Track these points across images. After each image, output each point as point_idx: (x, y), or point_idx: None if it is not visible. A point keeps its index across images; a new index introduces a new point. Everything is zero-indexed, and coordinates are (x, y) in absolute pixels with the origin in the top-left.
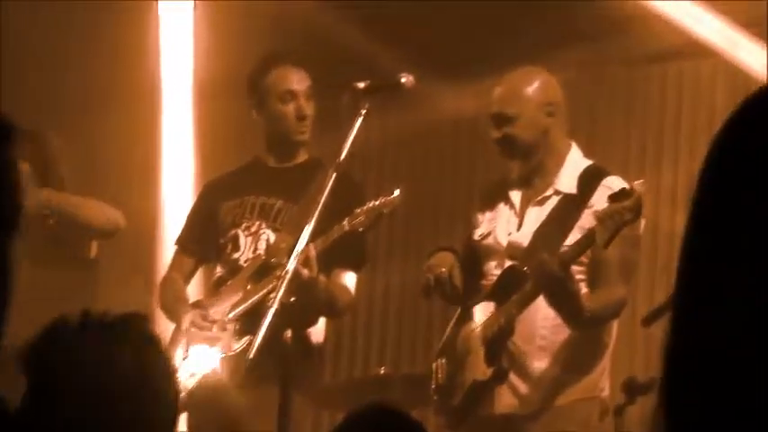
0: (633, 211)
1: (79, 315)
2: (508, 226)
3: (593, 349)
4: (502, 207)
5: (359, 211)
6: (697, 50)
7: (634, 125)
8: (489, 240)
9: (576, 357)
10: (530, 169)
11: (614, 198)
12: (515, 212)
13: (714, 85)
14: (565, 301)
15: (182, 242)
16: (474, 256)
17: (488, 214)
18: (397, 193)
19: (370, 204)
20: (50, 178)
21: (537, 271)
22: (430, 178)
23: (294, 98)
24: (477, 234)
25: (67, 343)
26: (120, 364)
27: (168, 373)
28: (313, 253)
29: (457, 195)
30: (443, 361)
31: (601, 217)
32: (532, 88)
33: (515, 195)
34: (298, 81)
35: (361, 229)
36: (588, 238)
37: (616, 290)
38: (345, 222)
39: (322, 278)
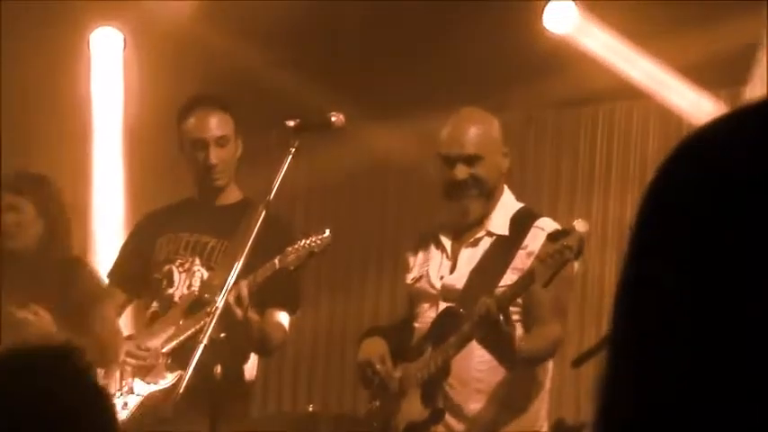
0: (574, 250)
1: (5, 351)
2: (440, 269)
3: (529, 388)
4: (433, 250)
5: (290, 249)
6: (628, 92)
7: (565, 167)
8: (422, 283)
9: (512, 397)
10: (483, 215)
11: (553, 237)
12: (447, 255)
13: (646, 127)
14: (499, 343)
15: (113, 276)
16: (409, 296)
17: (420, 257)
18: (327, 232)
19: (301, 243)
20: (57, 221)
21: (475, 312)
22: (358, 217)
23: (204, 146)
24: (409, 278)
25: None
26: (54, 399)
27: (106, 405)
28: (245, 291)
29: (385, 235)
30: (377, 403)
31: (540, 256)
32: (495, 130)
33: (446, 239)
34: (211, 128)
35: (291, 268)
36: (527, 278)
37: (551, 329)
38: (276, 261)
39: (254, 316)
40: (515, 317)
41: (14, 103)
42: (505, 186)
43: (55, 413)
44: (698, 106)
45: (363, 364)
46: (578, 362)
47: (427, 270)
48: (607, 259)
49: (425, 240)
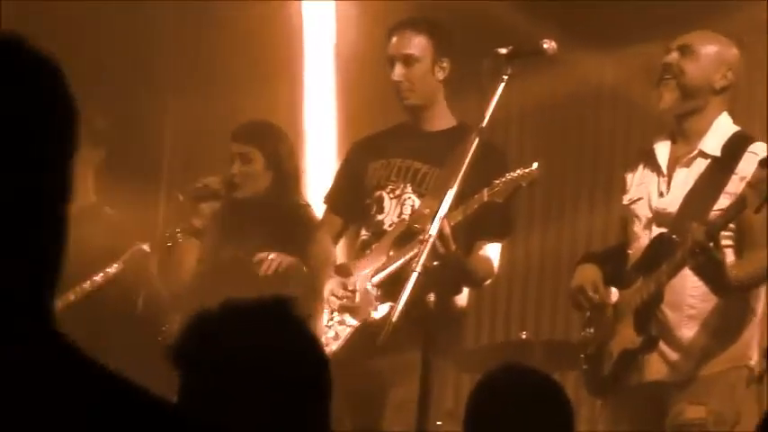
0: None
1: (220, 306)
2: (659, 187)
3: (741, 317)
4: (649, 171)
5: (497, 182)
6: None
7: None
8: (638, 206)
9: (724, 325)
10: (675, 110)
11: (766, 163)
12: (662, 174)
13: None
14: (710, 270)
15: (330, 201)
16: (623, 221)
17: (637, 176)
18: (535, 165)
19: (509, 176)
20: (287, 170)
21: (687, 240)
22: (570, 146)
23: (393, 63)
24: (625, 199)
25: (213, 336)
26: (269, 349)
27: (321, 354)
28: (447, 230)
29: (597, 164)
30: (592, 330)
31: (752, 182)
32: (720, 45)
33: (662, 153)
34: (399, 46)
35: (499, 200)
36: (739, 204)
37: (763, 254)
38: (484, 193)
39: (460, 254)
40: (727, 242)
41: (222, 40)
42: (725, 112)
43: (278, 364)
44: None
45: (577, 290)
46: None
47: (644, 192)
48: None
49: (642, 157)
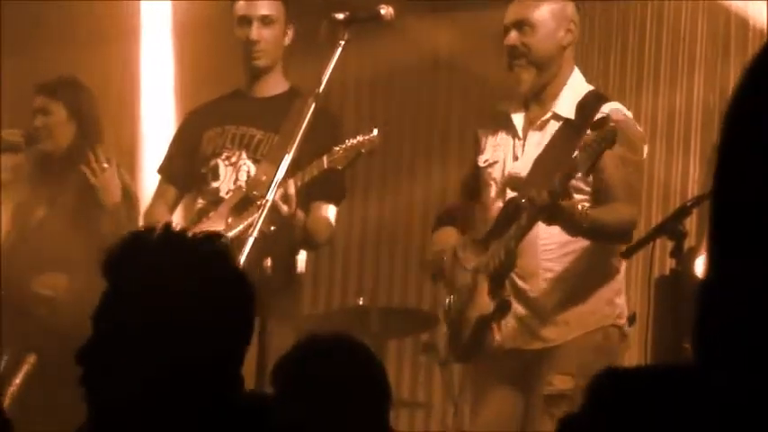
0: (608, 138)
1: (157, 229)
2: (514, 151)
3: (601, 276)
4: (505, 135)
5: (337, 148)
6: None
7: (613, 61)
8: (494, 169)
9: (583, 286)
10: (537, 86)
11: (594, 126)
12: (518, 137)
13: (695, 25)
14: (561, 217)
15: (164, 171)
16: (477, 182)
17: (491, 139)
18: (375, 132)
19: (349, 142)
20: (89, 124)
21: (531, 206)
22: (408, 112)
23: (248, 23)
24: (481, 160)
25: (149, 253)
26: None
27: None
28: (292, 190)
29: (433, 130)
30: (454, 297)
31: (582, 145)
32: (554, 2)
33: (517, 118)
34: (257, 6)
35: (339, 167)
36: (571, 168)
37: (621, 207)
38: (324, 159)
39: (300, 214)
40: (585, 204)
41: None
42: (576, 68)
43: (191, 282)
44: (746, 5)
45: (435, 255)
46: (628, 252)
47: (500, 156)
48: (656, 152)
49: (497, 120)
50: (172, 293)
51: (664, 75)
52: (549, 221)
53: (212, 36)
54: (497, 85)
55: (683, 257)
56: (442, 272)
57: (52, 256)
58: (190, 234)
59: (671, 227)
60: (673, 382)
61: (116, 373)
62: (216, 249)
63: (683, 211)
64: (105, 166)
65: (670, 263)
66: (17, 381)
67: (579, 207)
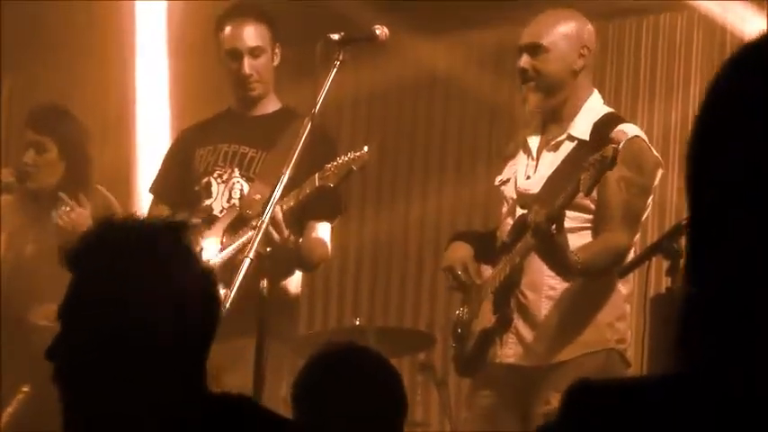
0: (608, 159)
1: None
2: (526, 171)
3: (601, 298)
4: (522, 155)
5: (329, 166)
6: (674, 4)
7: (608, 77)
8: (506, 187)
9: (582, 307)
10: (546, 108)
11: (598, 146)
12: (532, 157)
13: (690, 39)
14: (551, 254)
15: (157, 190)
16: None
17: (510, 162)
18: (366, 149)
19: (340, 160)
20: (79, 167)
21: (529, 223)
22: (403, 132)
23: (239, 57)
24: (497, 179)
25: (115, 241)
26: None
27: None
28: (280, 215)
29: (430, 150)
30: (465, 309)
31: (586, 165)
32: (569, 26)
33: (533, 140)
34: (245, 38)
35: (331, 185)
36: (574, 188)
37: (615, 237)
38: (316, 177)
39: (293, 238)
40: (586, 224)
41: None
42: (595, 90)
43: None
44: (743, 19)
45: (446, 270)
46: (623, 272)
47: (512, 174)
48: None
49: (518, 144)
50: (132, 284)
51: (659, 91)
52: (545, 258)
53: (208, 55)
54: (493, 104)
55: (679, 276)
56: (456, 284)
57: (48, 286)
58: (151, 222)
59: (666, 245)
60: (646, 394)
61: (83, 367)
62: (177, 239)
63: (678, 230)
64: (79, 210)
65: (666, 281)
66: (9, 410)
67: (573, 257)
